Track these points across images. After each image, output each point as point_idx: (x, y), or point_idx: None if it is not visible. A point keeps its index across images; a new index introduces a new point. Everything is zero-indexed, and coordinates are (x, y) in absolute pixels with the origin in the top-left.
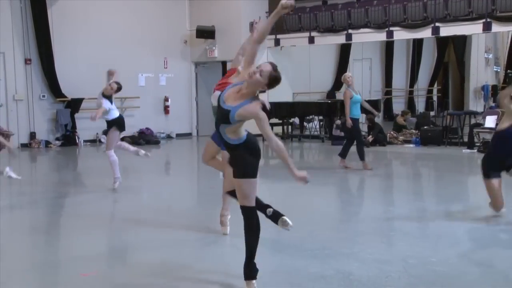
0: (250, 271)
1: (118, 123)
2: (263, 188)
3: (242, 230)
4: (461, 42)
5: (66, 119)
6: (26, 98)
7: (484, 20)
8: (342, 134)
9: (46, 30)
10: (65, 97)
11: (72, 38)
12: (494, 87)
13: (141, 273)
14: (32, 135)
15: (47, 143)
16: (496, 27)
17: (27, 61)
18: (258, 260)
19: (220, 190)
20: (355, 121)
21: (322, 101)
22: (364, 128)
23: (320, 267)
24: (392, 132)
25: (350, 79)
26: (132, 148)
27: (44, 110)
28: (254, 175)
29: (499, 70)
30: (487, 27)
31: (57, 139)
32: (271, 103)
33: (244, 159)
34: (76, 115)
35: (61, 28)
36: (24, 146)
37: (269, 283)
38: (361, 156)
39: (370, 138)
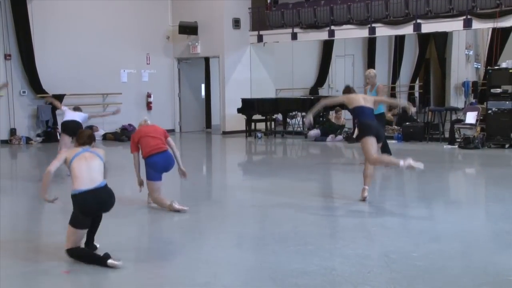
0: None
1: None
2: (247, 184)
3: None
4: (442, 39)
5: (47, 115)
6: (6, 94)
7: (464, 17)
8: (318, 132)
9: (26, 26)
10: (46, 93)
11: (53, 34)
12: (475, 84)
13: (125, 268)
14: (12, 131)
15: (28, 140)
16: (476, 24)
17: (6, 56)
18: (240, 255)
19: (203, 186)
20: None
21: (305, 97)
22: (349, 124)
23: (302, 262)
24: None
25: (365, 76)
26: None
27: (24, 106)
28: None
29: (479, 66)
30: (467, 24)
31: (38, 135)
32: (254, 100)
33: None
34: (57, 111)
35: (42, 23)
36: (4, 142)
37: (251, 279)
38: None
39: (356, 133)
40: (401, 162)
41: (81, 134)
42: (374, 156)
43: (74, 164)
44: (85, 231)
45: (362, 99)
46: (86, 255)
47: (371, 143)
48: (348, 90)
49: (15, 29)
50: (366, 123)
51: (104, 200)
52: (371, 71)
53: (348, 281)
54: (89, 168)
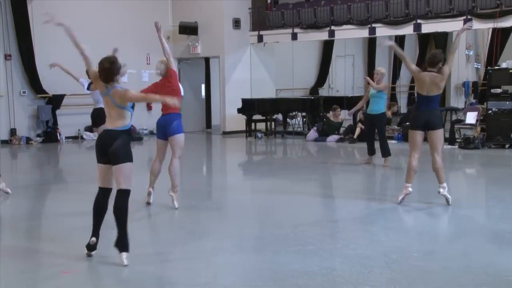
0: (124, 245)
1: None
2: (247, 184)
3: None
4: (443, 39)
5: (47, 115)
6: (6, 94)
7: (464, 17)
8: (316, 134)
9: (26, 26)
10: (46, 93)
11: (53, 34)
12: (475, 84)
13: (124, 268)
14: (13, 132)
15: (28, 140)
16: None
17: (7, 56)
18: (240, 255)
19: (203, 186)
20: (368, 116)
21: (305, 97)
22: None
23: (303, 263)
24: None
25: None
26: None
27: (24, 106)
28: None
29: (479, 67)
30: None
31: (38, 135)
32: (254, 100)
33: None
34: (57, 112)
35: (42, 23)
36: (4, 142)
37: (252, 279)
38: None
39: (357, 130)
40: (410, 188)
41: (100, 71)
42: (412, 160)
43: (104, 105)
44: (103, 167)
45: (428, 86)
46: (95, 214)
47: (415, 138)
48: (428, 61)
49: (15, 29)
50: (415, 114)
51: (104, 140)
52: (382, 68)
53: (349, 281)
54: (109, 115)
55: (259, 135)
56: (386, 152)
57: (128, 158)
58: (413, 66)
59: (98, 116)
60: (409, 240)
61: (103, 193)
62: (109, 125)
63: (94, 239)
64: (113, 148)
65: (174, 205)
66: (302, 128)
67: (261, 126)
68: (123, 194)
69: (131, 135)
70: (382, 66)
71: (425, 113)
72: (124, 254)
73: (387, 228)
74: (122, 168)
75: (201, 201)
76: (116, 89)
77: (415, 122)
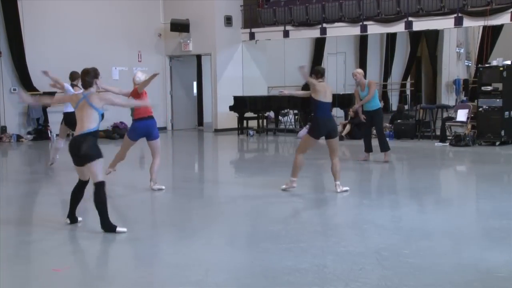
0: (109, 226)
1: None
2: (239, 182)
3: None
4: (434, 37)
5: (38, 113)
6: None
7: (455, 15)
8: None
9: (17, 23)
10: (37, 90)
11: (44, 31)
12: (466, 81)
13: (116, 266)
14: (3, 129)
15: (19, 137)
16: (467, 22)
17: None
18: (232, 253)
19: (196, 183)
20: (365, 113)
21: None
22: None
23: (294, 260)
24: None
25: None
26: None
27: (15, 104)
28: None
29: (470, 64)
30: (458, 22)
31: (28, 133)
32: (246, 97)
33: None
34: (48, 109)
35: (32, 20)
36: None
37: (244, 277)
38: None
39: (347, 127)
40: (293, 179)
41: (78, 75)
42: (300, 155)
43: (76, 112)
44: (78, 168)
45: (328, 92)
46: (72, 200)
47: (311, 143)
48: (320, 73)
49: (6, 27)
50: (321, 121)
51: (72, 147)
52: (358, 69)
53: (340, 278)
54: (81, 117)
55: (251, 132)
56: (385, 147)
57: (95, 156)
58: (310, 79)
59: (72, 122)
60: (400, 237)
61: (81, 183)
62: (78, 130)
63: (68, 220)
64: (81, 153)
65: (157, 187)
66: (294, 126)
67: (253, 123)
68: (99, 186)
69: (97, 136)
70: (374, 64)
71: (329, 121)
72: (117, 228)
73: (378, 226)
74: (91, 166)
75: (192, 198)
76: (92, 93)
77: (320, 129)
